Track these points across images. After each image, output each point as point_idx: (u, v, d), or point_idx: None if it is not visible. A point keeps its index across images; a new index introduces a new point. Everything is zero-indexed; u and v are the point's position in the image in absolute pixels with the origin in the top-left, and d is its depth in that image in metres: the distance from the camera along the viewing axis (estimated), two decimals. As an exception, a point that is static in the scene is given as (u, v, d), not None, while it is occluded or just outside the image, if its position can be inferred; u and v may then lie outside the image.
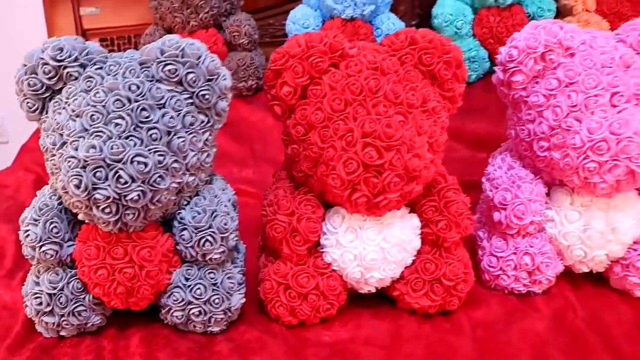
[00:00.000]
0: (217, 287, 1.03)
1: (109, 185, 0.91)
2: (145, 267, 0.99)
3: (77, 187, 0.91)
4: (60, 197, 1.01)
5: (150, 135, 0.93)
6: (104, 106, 0.93)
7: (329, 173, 0.99)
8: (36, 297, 1.02)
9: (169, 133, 0.95)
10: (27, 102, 0.99)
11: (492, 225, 1.16)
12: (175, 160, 0.95)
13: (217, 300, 1.03)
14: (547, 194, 1.14)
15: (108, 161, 0.90)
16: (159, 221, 1.02)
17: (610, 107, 1.03)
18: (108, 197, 0.91)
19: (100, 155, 0.90)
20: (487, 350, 1.04)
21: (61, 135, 0.95)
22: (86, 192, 0.91)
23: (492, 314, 1.12)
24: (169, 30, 1.84)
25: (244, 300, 1.07)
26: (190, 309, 1.03)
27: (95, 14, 2.03)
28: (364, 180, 0.97)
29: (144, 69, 0.97)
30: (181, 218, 1.01)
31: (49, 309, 1.02)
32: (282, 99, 1.04)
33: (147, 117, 0.93)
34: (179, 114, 0.96)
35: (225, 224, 1.01)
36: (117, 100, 0.93)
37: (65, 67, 0.97)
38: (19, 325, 1.08)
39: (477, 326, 1.09)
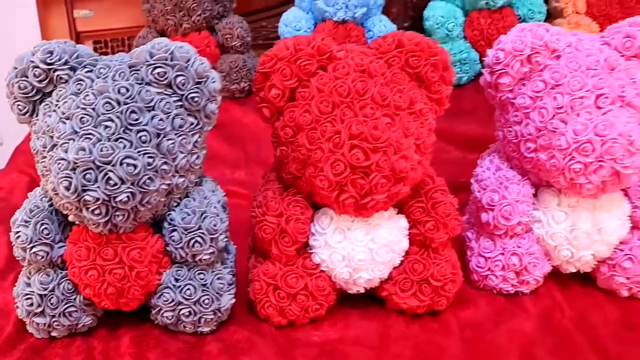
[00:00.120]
0: (207, 287, 1.04)
1: (98, 187, 0.91)
2: (135, 268, 0.99)
3: (67, 189, 0.92)
4: (51, 199, 1.01)
5: (140, 137, 0.94)
6: (93, 109, 0.93)
7: (317, 174, 0.99)
8: (27, 298, 1.03)
9: (158, 135, 0.95)
10: (18, 105, 1.00)
11: (480, 226, 1.17)
12: (165, 162, 0.96)
13: (207, 301, 1.04)
14: (535, 195, 1.15)
15: (98, 163, 0.91)
16: (149, 222, 1.02)
17: (595, 109, 1.04)
18: (98, 199, 0.92)
19: (89, 157, 0.91)
20: (475, 350, 1.05)
21: (51, 137, 0.95)
22: (76, 194, 0.92)
23: (480, 314, 1.12)
24: (162, 33, 1.84)
25: (233, 300, 1.08)
26: (180, 309, 1.04)
27: (89, 17, 2.04)
28: (351, 182, 0.98)
29: (134, 72, 0.97)
30: (171, 219, 1.02)
31: (40, 309, 1.03)
32: (271, 102, 1.05)
33: (137, 120, 0.94)
34: (169, 116, 0.97)
35: (214, 225, 1.02)
36: (107, 102, 0.94)
37: (55, 70, 0.97)
38: (11, 326, 1.08)
39: (465, 326, 1.10)
